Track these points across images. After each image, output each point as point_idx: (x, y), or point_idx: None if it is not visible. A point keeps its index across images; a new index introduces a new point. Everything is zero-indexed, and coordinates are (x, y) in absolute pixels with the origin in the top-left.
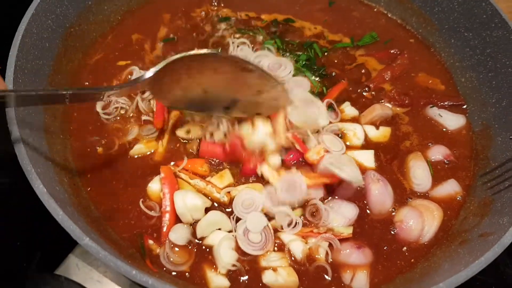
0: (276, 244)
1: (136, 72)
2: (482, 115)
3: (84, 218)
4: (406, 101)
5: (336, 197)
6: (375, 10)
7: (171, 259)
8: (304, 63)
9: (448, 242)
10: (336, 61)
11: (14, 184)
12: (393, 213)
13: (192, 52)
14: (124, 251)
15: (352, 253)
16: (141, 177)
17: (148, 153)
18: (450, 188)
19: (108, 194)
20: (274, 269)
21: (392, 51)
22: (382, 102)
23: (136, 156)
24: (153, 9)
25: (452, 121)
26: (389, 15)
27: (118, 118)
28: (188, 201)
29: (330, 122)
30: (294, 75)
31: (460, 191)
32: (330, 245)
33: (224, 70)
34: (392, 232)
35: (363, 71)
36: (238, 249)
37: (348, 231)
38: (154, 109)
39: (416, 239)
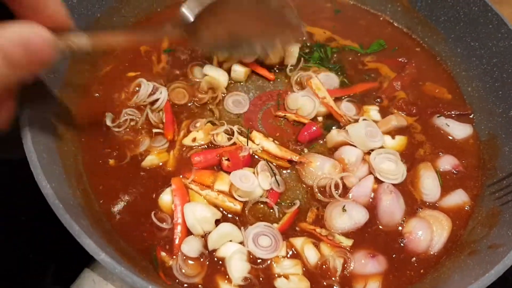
0: (290, 252)
1: (144, 84)
2: (489, 125)
3: (98, 232)
4: (414, 111)
5: (351, 195)
6: (381, 19)
7: (184, 271)
8: (317, 61)
9: (457, 252)
10: (350, 58)
11: (27, 198)
12: (402, 224)
13: None
14: (138, 264)
15: (367, 263)
16: (153, 189)
17: (160, 163)
18: (458, 198)
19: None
20: (286, 277)
21: (400, 60)
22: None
23: (148, 168)
24: (159, 21)
25: (459, 130)
26: (395, 24)
27: (128, 130)
28: (197, 214)
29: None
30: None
31: (468, 201)
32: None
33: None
34: (401, 244)
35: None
36: (250, 259)
37: (347, 243)
38: (164, 120)
39: (425, 250)
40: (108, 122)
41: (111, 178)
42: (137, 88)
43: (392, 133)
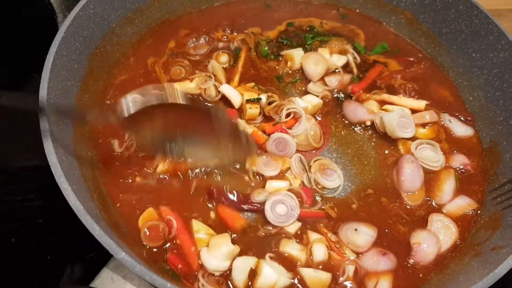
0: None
1: None
2: (490, 133)
3: (116, 233)
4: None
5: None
6: (385, 25)
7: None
8: None
9: (461, 255)
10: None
11: (44, 200)
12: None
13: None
14: (155, 264)
15: (379, 260)
16: (169, 195)
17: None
18: (462, 201)
19: (135, 211)
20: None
21: (410, 59)
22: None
23: (161, 176)
24: (171, 31)
25: (460, 128)
26: (400, 35)
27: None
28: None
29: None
30: None
31: (472, 204)
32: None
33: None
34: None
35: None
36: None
37: (351, 256)
38: None
39: (430, 262)
40: (117, 149)
41: (127, 183)
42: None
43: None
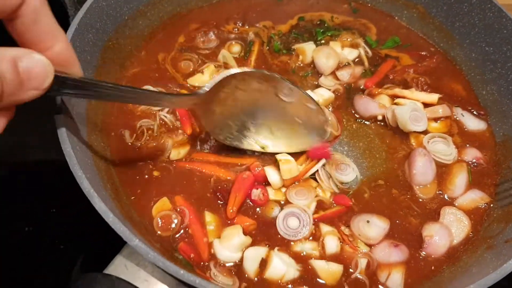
0: (312, 234)
1: None
2: (504, 127)
3: (129, 221)
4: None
5: None
6: (397, 19)
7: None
8: None
9: (474, 247)
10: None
11: (56, 190)
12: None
13: (243, 70)
14: (167, 252)
15: (391, 252)
16: (183, 187)
17: (182, 153)
18: (474, 195)
19: (150, 202)
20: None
21: (423, 53)
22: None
23: (174, 161)
24: (183, 24)
25: (473, 122)
26: (412, 29)
27: (149, 138)
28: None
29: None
30: None
31: (485, 198)
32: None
33: (268, 94)
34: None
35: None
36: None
37: (364, 248)
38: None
39: (442, 254)
40: (128, 139)
41: (140, 175)
42: None
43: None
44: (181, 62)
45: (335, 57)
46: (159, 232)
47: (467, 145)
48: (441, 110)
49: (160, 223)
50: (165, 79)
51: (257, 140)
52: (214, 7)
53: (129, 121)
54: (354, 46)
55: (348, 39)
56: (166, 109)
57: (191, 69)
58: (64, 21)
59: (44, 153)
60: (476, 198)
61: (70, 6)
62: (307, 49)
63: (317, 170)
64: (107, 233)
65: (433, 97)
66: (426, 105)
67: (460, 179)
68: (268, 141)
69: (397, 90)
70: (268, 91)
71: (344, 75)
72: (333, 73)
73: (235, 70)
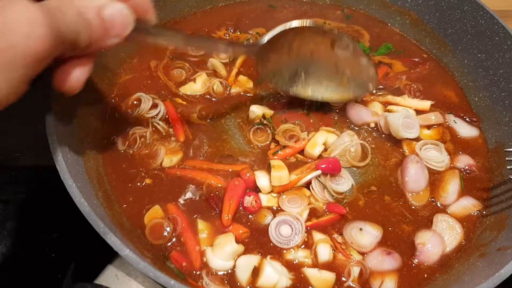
0: (305, 242)
1: (144, 99)
2: (496, 133)
3: (120, 230)
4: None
5: None
6: (391, 27)
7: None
8: None
9: (467, 255)
10: None
11: (48, 198)
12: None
13: (302, 23)
14: (159, 261)
15: (383, 260)
16: (175, 195)
17: (175, 161)
18: (467, 202)
19: (142, 210)
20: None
21: (415, 59)
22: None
23: (166, 168)
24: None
25: (465, 129)
26: (405, 36)
27: (141, 145)
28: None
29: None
30: None
31: (477, 205)
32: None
33: (323, 46)
34: (413, 255)
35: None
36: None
37: (357, 257)
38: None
39: (434, 262)
40: (120, 146)
41: (132, 183)
42: (134, 102)
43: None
44: (173, 70)
45: None
46: (151, 241)
47: (460, 152)
48: (434, 117)
49: (152, 231)
50: (158, 87)
51: (305, 87)
52: (207, 14)
53: (122, 128)
54: None
55: None
56: (159, 116)
57: (183, 77)
58: None
59: (35, 159)
60: (468, 205)
61: None
62: None
63: (311, 181)
64: (99, 242)
65: (426, 104)
66: (418, 112)
67: (452, 186)
68: (315, 88)
69: (390, 97)
70: (324, 43)
71: None
72: None
73: (295, 22)
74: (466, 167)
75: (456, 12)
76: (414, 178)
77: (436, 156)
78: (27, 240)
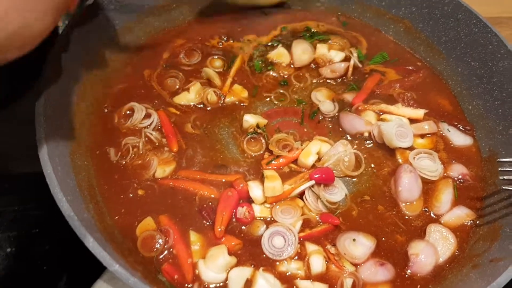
0: (297, 253)
1: (137, 108)
2: (489, 142)
3: (111, 243)
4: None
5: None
6: (385, 35)
7: None
8: None
9: (460, 266)
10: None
11: (39, 210)
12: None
13: None
14: (150, 275)
15: (377, 271)
16: (167, 206)
17: (168, 171)
18: (460, 212)
19: (134, 222)
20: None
21: (409, 67)
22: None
23: (159, 179)
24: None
25: (459, 138)
26: (399, 44)
27: (134, 156)
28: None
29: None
30: None
31: (471, 214)
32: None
33: None
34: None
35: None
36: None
37: (350, 268)
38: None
39: (428, 273)
40: (112, 157)
41: (125, 194)
42: (128, 112)
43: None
44: (167, 80)
45: (311, 54)
46: (142, 253)
47: (453, 161)
48: (427, 126)
49: (144, 243)
50: (152, 96)
51: None
52: (201, 22)
53: (114, 139)
54: (342, 50)
55: (337, 43)
56: (152, 126)
57: (177, 87)
58: (52, 36)
59: (28, 165)
60: (462, 215)
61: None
62: (282, 52)
63: (304, 192)
64: (91, 254)
65: (419, 112)
66: (412, 120)
67: (446, 195)
68: None
69: (383, 106)
70: None
71: (327, 71)
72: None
73: None
74: (460, 176)
75: (449, 20)
76: (408, 188)
77: (429, 165)
78: (18, 252)
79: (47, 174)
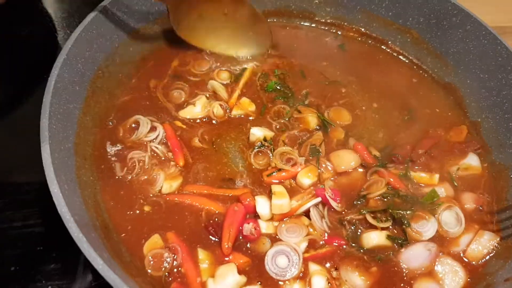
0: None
1: (142, 121)
2: (500, 156)
3: (119, 264)
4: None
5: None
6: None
7: None
8: None
9: (474, 285)
10: None
11: (44, 226)
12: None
13: None
14: None
15: None
16: (174, 222)
17: (175, 186)
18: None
19: (141, 239)
20: None
21: None
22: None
23: (165, 194)
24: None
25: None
26: (406, 54)
27: (140, 171)
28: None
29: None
30: None
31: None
32: None
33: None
34: None
35: None
36: None
37: None
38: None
39: None
40: (118, 172)
41: (132, 212)
42: (133, 125)
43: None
44: (172, 91)
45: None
46: (150, 272)
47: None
48: (443, 189)
49: (151, 262)
50: (156, 108)
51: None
52: None
53: (120, 153)
54: None
55: None
56: (158, 140)
57: (182, 99)
58: (53, 45)
59: (30, 175)
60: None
61: (59, 30)
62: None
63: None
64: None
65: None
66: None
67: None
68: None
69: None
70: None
71: None
72: None
73: None
74: (474, 205)
75: (458, 31)
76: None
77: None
78: (21, 271)
79: (54, 193)
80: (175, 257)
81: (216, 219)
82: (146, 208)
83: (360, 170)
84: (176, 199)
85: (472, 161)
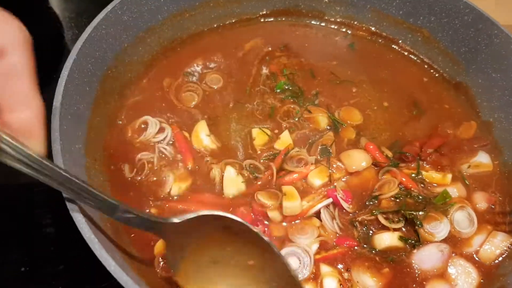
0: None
1: (151, 122)
2: None
3: (129, 264)
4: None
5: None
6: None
7: None
8: None
9: (487, 286)
10: None
11: (56, 227)
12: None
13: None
14: None
15: None
16: None
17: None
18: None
19: (150, 241)
20: None
21: None
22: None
23: (175, 197)
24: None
25: (483, 158)
26: (416, 53)
27: (149, 172)
28: None
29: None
30: None
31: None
32: None
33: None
34: None
35: None
36: None
37: None
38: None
39: None
40: (127, 173)
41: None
42: (142, 125)
43: None
44: (185, 93)
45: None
46: (160, 273)
47: (475, 188)
48: (456, 189)
49: (162, 262)
50: (167, 109)
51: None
52: (215, 32)
53: (128, 154)
54: None
55: None
56: (166, 141)
57: (194, 102)
58: (61, 46)
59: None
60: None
61: (67, 30)
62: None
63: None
64: (106, 273)
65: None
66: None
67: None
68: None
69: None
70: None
71: None
72: None
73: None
74: (491, 205)
75: (470, 30)
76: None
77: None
78: (32, 272)
79: (66, 196)
80: None
81: None
82: (153, 211)
83: (372, 170)
84: (179, 206)
85: (483, 158)
